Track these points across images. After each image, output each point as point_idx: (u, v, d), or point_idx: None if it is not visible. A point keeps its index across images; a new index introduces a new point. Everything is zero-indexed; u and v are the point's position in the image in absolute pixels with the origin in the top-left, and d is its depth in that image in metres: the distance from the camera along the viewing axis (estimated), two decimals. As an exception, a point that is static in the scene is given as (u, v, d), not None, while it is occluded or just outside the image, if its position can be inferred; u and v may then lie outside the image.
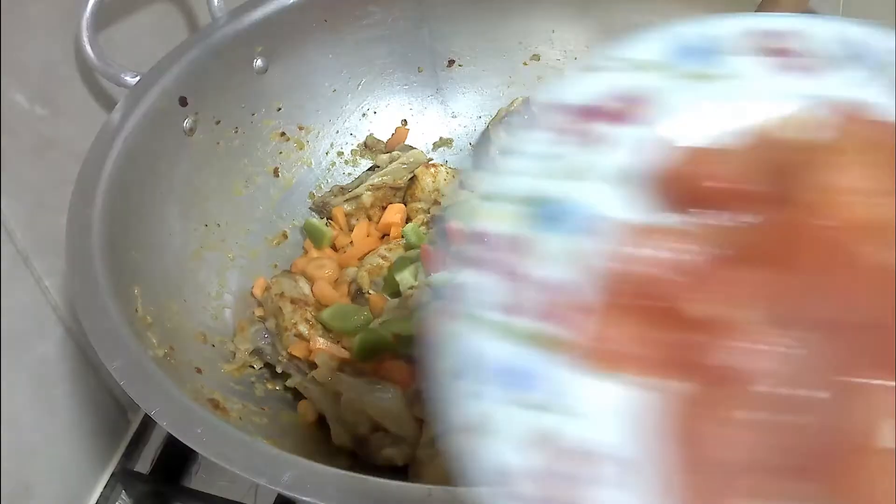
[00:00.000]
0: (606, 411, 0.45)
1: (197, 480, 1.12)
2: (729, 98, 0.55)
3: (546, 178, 0.52)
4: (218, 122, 1.16)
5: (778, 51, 0.56)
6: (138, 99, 1.06)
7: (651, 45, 0.59)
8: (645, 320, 0.47)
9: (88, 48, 1.07)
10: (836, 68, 0.56)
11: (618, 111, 0.54)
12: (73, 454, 1.11)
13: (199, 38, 1.15)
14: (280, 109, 1.25)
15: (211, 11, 1.19)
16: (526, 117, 1.28)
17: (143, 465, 1.16)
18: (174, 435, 0.74)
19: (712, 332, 0.45)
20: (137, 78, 1.09)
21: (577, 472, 0.43)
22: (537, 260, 0.49)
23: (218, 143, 1.17)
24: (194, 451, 0.74)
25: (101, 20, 1.08)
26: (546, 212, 0.50)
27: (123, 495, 1.14)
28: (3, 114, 0.96)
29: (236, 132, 1.19)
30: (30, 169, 1.00)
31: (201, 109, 1.13)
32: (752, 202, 0.49)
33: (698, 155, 0.52)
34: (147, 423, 1.20)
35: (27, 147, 1.00)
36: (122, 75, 1.09)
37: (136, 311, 0.93)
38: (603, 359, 0.46)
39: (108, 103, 1.15)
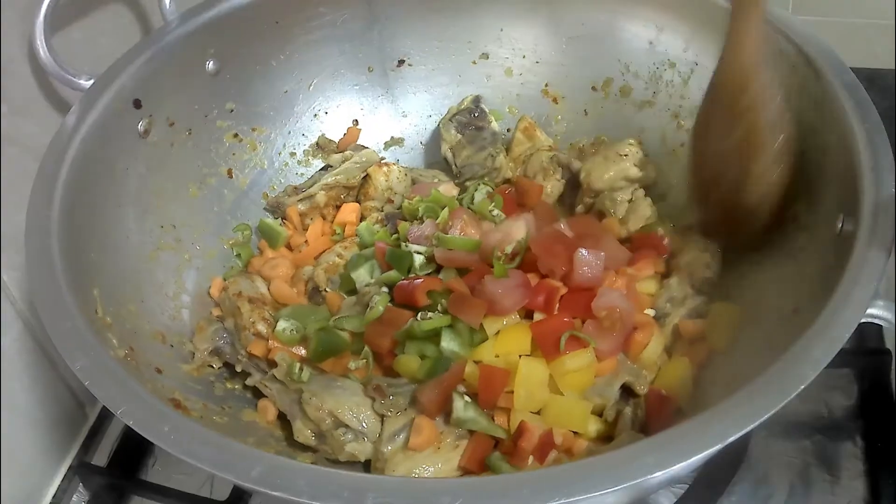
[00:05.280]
0: None
1: (153, 473, 1.12)
2: None
3: None
4: (172, 125, 1.17)
5: None
6: (93, 102, 1.07)
7: None
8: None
9: (43, 51, 1.06)
10: None
11: None
12: (31, 448, 1.11)
13: (151, 41, 1.16)
14: (233, 111, 1.26)
15: (163, 13, 1.19)
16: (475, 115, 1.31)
17: (101, 458, 1.16)
18: (142, 434, 0.75)
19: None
20: (91, 81, 1.09)
21: None
22: None
23: (172, 145, 1.18)
24: (151, 445, 0.74)
25: (57, 22, 1.08)
26: None
27: (81, 488, 1.14)
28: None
29: (190, 134, 1.20)
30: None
31: (155, 112, 1.13)
32: None
33: None
34: (104, 417, 1.20)
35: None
36: (76, 79, 1.09)
37: (97, 312, 0.94)
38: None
39: (64, 104, 1.14)
